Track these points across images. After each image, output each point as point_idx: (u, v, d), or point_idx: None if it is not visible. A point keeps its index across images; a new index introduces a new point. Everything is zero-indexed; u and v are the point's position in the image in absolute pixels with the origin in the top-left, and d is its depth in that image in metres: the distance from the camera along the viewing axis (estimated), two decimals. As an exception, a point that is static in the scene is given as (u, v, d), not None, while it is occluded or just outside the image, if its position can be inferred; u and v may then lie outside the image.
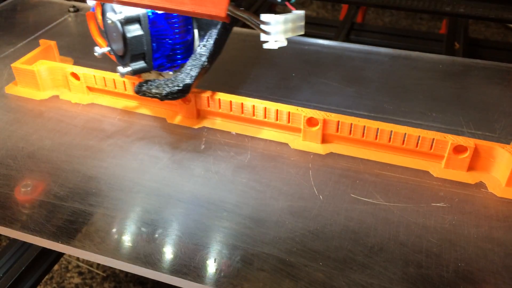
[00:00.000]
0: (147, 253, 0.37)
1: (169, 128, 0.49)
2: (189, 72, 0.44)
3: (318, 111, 0.46)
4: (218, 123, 0.49)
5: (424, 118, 0.51)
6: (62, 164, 0.45)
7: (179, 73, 0.44)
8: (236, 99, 0.47)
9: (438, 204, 0.41)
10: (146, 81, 0.44)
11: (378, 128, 0.44)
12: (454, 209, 0.40)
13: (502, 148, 0.42)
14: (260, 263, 0.36)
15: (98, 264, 0.86)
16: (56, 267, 0.85)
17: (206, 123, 0.49)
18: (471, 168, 0.43)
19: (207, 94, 0.48)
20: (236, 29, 0.71)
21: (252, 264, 0.36)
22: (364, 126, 0.44)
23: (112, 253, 0.37)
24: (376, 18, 1.55)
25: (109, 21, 0.42)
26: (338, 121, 0.45)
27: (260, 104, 0.47)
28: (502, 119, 0.51)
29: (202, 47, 0.44)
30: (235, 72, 0.59)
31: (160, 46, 0.44)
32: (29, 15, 0.73)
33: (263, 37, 0.39)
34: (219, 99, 0.48)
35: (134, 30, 0.42)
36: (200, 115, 0.50)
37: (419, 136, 0.43)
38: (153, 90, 0.44)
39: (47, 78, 0.53)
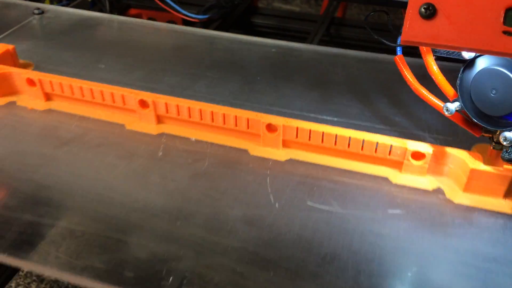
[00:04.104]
0: (97, 266, 0.36)
1: (127, 135, 0.48)
2: None
3: (277, 117, 0.45)
4: (177, 129, 0.48)
5: (387, 123, 0.51)
6: (14, 172, 0.44)
7: None
8: (194, 105, 0.47)
9: (394, 211, 0.40)
10: None
11: (336, 134, 0.44)
12: (410, 216, 0.40)
13: (460, 154, 0.41)
14: (210, 273, 0.35)
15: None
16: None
17: (166, 129, 0.49)
18: (429, 173, 0.43)
19: (166, 99, 0.47)
20: (202, 30, 0.70)
21: (202, 275, 0.35)
22: (323, 132, 0.44)
23: (63, 266, 0.36)
24: (359, 14, 1.55)
25: None
26: (297, 127, 0.44)
27: (218, 110, 0.46)
28: (464, 123, 0.51)
29: None
30: (199, 75, 0.58)
31: None
32: (-6, 17, 0.72)
33: None
34: (177, 105, 0.47)
35: None
36: (159, 121, 0.49)
37: (377, 142, 0.43)
38: None
39: (3, 84, 0.52)
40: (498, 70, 0.36)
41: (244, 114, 0.45)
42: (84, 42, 0.65)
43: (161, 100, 0.47)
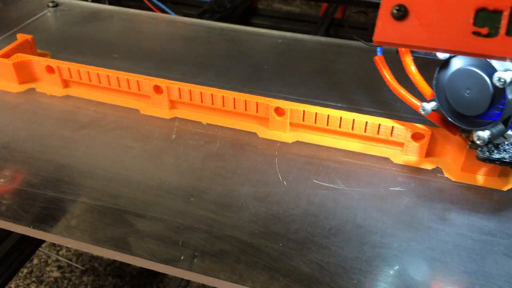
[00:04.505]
0: (117, 238, 0.38)
1: (142, 119, 0.51)
2: None
3: (285, 101, 0.48)
4: (189, 114, 0.51)
5: (389, 108, 0.53)
6: (36, 153, 0.46)
7: None
8: (206, 90, 0.49)
9: (395, 189, 0.43)
10: (496, 146, 0.38)
11: (341, 117, 0.46)
12: (410, 193, 0.42)
13: (457, 135, 0.44)
14: (222, 245, 0.38)
15: (78, 258, 0.87)
16: (35, 261, 0.87)
17: (178, 114, 0.51)
18: (428, 154, 0.45)
19: (179, 85, 0.50)
20: (210, 22, 0.72)
21: (215, 245, 0.38)
22: (328, 115, 0.46)
23: (85, 238, 0.39)
24: (359, 14, 1.57)
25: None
26: (304, 111, 0.47)
27: (229, 95, 0.49)
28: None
29: None
30: (208, 64, 0.61)
31: None
32: (9, 9, 0.74)
33: None
34: (190, 90, 0.49)
35: None
36: (172, 106, 0.52)
37: (379, 124, 0.45)
38: None
39: (24, 71, 0.55)
40: (472, 70, 0.37)
41: (253, 98, 0.48)
42: (97, 33, 0.68)
43: (175, 85, 0.49)
